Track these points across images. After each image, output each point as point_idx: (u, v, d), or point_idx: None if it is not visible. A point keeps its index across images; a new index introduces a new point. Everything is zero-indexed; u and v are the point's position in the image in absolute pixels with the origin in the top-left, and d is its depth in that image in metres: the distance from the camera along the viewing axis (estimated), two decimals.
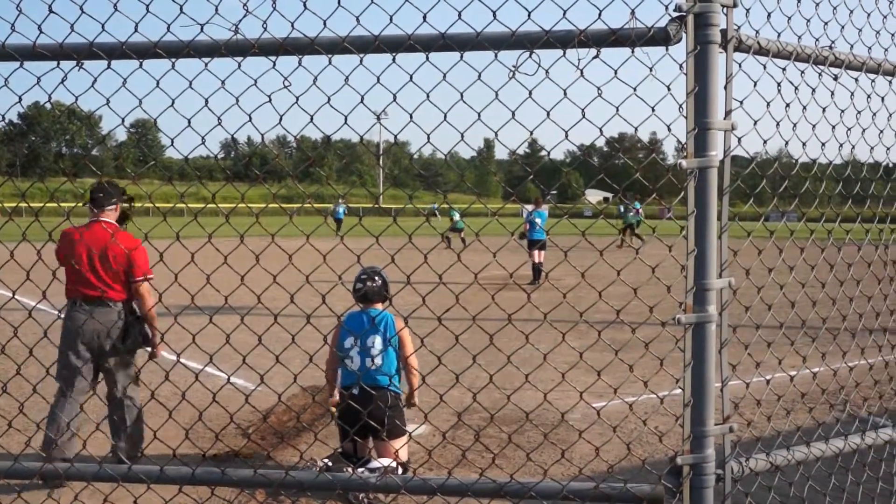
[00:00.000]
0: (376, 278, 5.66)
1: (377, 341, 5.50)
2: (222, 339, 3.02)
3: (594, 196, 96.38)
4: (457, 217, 27.12)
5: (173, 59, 2.85)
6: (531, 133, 2.88)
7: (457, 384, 3.05)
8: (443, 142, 3.09)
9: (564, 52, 2.55)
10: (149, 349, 5.71)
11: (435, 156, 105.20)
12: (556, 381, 3.26)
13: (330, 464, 5.13)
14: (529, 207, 19.44)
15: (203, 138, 3.01)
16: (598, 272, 3.54)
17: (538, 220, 18.15)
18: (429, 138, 2.86)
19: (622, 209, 31.63)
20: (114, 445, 5.51)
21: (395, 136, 2.90)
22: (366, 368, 5.42)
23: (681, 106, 2.52)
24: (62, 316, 3.23)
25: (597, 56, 2.54)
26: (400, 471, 5.14)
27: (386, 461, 5.17)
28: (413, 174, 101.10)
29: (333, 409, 5.39)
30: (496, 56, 2.63)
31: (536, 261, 17.84)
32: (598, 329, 3.05)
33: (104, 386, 5.65)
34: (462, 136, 2.80)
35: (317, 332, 3.05)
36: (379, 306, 5.71)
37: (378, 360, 5.44)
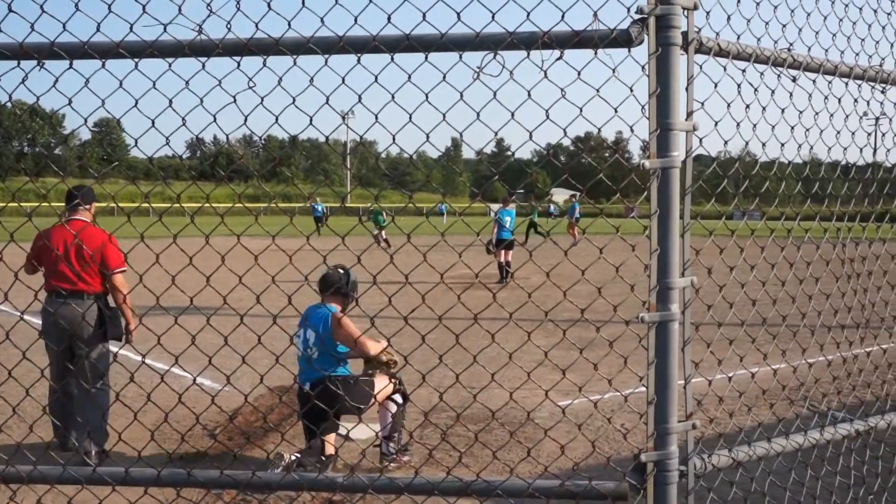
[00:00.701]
0: (341, 268, 5.87)
1: (312, 336, 5.68)
2: (188, 339, 2.99)
3: (561, 195, 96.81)
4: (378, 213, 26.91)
5: (136, 60, 2.82)
6: (496, 133, 2.89)
7: (423, 383, 3.05)
8: (409, 142, 3.10)
9: (528, 54, 2.56)
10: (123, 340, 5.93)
11: (402, 155, 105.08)
12: (522, 379, 3.28)
13: (299, 457, 5.19)
14: (496, 207, 19.82)
15: (167, 139, 2.98)
16: (563, 271, 3.56)
17: (506, 220, 18.03)
18: (394, 139, 2.86)
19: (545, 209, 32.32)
20: (77, 445, 5.62)
21: (361, 137, 2.90)
22: (307, 365, 5.65)
23: (643, 107, 2.54)
24: (24, 317, 3.22)
25: (560, 57, 2.56)
26: (400, 399, 5.77)
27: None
28: (380, 174, 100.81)
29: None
30: (461, 57, 2.64)
31: (503, 260, 17.71)
32: (563, 328, 3.07)
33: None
34: (427, 136, 2.80)
35: (283, 332, 3.03)
36: (331, 300, 5.82)
37: (315, 355, 5.61)
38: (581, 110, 2.59)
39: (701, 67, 2.67)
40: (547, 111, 2.61)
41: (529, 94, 2.62)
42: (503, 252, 17.63)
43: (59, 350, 5.67)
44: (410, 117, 2.71)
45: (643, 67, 2.54)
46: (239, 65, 2.78)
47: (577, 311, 2.77)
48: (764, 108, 2.95)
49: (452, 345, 2.95)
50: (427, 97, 2.70)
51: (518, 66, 2.61)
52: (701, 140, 2.70)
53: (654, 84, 2.52)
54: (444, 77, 2.69)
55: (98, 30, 2.77)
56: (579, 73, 2.57)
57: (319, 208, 39.53)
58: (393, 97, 2.75)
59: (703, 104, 2.70)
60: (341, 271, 5.86)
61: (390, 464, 5.69)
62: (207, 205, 2.84)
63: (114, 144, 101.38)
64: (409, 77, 2.69)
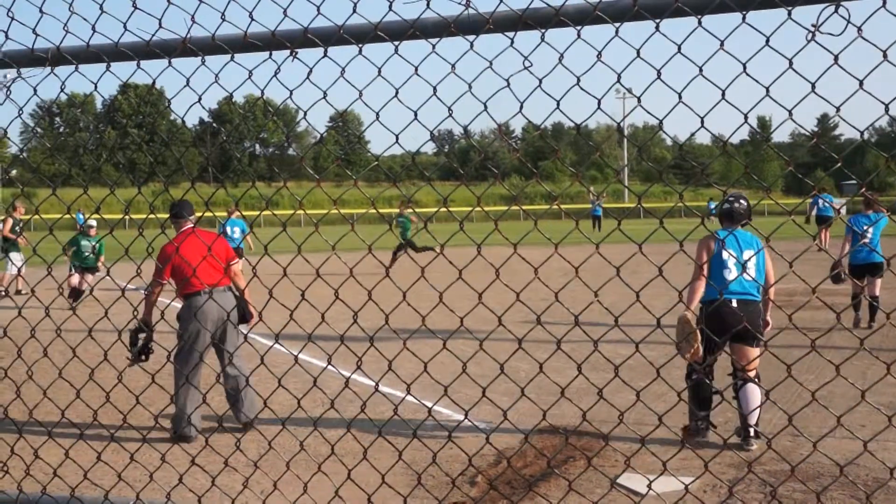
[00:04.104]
0: (742, 201, 7.41)
1: (753, 261, 7.16)
2: (449, 368, 3.14)
3: None
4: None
5: (396, 43, 3.01)
6: (837, 109, 2.77)
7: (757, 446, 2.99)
8: (706, 123, 3.03)
9: (885, 2, 2.45)
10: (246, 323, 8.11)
11: (693, 141, 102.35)
12: (868, 427, 3.11)
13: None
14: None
15: (432, 133, 3.19)
16: None
17: (867, 230, 12.95)
18: (702, 122, 2.83)
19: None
20: (235, 411, 7.96)
21: (661, 122, 2.91)
22: (744, 282, 7.06)
23: None
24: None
25: None
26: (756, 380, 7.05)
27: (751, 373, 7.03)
28: (667, 164, 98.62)
29: (693, 326, 6.84)
30: (790, 14, 2.57)
31: (867, 293, 13.08)
32: None
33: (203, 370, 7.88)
34: (746, 116, 2.75)
35: (568, 358, 3.10)
36: (740, 228, 7.43)
37: (753, 273, 7.22)
38: None
39: None
40: None
41: (885, 55, 2.50)
42: (868, 281, 13.08)
43: (205, 337, 7.70)
44: (723, 94, 2.69)
45: None
46: (512, 42, 2.88)
47: None
48: None
49: (783, 378, 2.87)
50: (745, 67, 2.66)
51: (869, 19, 2.49)
52: None
53: None
54: (768, 41, 2.63)
55: (354, 11, 2.98)
56: None
57: (599, 207, 44.24)
58: (701, 70, 2.72)
59: None
60: (742, 200, 7.40)
61: (752, 446, 6.85)
62: (479, 209, 2.98)
63: (352, 141, 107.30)
64: (722, 43, 2.66)
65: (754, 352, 7.07)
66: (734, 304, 7.01)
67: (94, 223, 17.79)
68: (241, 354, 8.00)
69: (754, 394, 6.96)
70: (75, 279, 17.34)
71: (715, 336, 6.65)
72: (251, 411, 7.98)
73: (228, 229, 20.25)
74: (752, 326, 6.83)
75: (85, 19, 3.30)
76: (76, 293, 16.89)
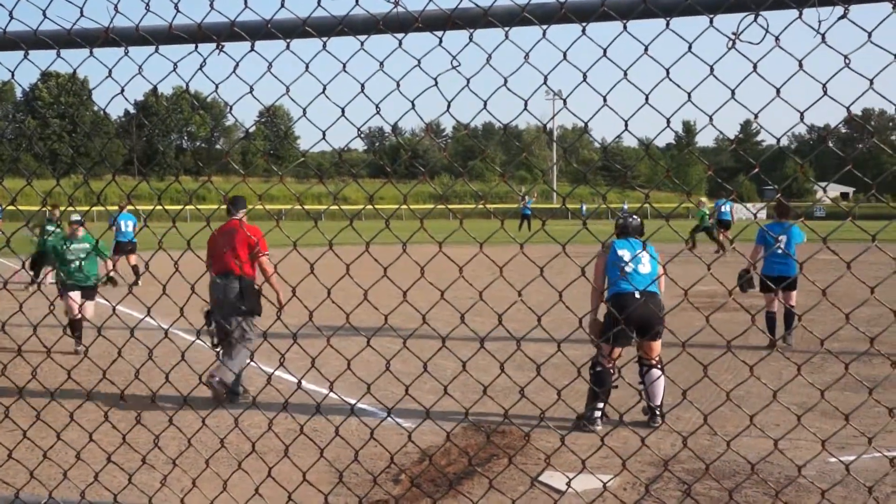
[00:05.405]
0: (635, 216, 8.58)
1: (646, 257, 8.02)
2: (374, 364, 3.15)
3: (830, 191, 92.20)
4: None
5: (325, 39, 2.99)
6: (755, 116, 2.83)
7: (663, 424, 3.05)
8: (633, 126, 3.08)
9: (801, 13, 2.51)
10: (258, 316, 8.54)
11: (621, 144, 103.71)
12: (781, 426, 3.20)
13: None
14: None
15: (359, 129, 3.18)
16: (841, 289, 3.44)
17: (782, 240, 11.81)
18: (626, 125, 2.88)
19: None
20: (211, 377, 8.52)
21: (586, 124, 2.95)
22: (640, 276, 7.93)
23: None
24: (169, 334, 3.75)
25: (844, 16, 2.48)
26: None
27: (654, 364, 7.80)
28: (595, 167, 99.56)
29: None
30: (711, 22, 2.62)
31: (786, 302, 11.86)
32: (844, 361, 2.98)
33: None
34: (668, 121, 2.80)
35: (492, 357, 3.12)
36: (633, 237, 8.31)
37: (648, 268, 8.00)
38: (871, 83, 2.50)
39: None
40: (824, 86, 2.54)
41: (801, 65, 2.56)
42: (782, 294, 11.86)
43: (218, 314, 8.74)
44: (647, 98, 2.73)
45: None
46: (441, 41, 2.89)
47: (861, 339, 2.68)
48: None
49: (700, 378, 2.93)
50: (668, 73, 2.70)
51: (785, 29, 2.56)
52: None
53: None
54: (690, 47, 2.68)
55: (283, 5, 2.97)
56: (870, 35, 2.49)
57: (528, 205, 45.66)
58: (625, 74, 2.77)
59: None
60: (636, 216, 8.56)
61: (656, 423, 7.57)
62: (405, 207, 2.99)
63: (279, 136, 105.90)
64: (647, 49, 2.70)
65: (656, 344, 7.82)
66: (637, 295, 7.75)
67: (80, 218, 11.88)
68: (240, 343, 8.59)
69: (658, 379, 7.72)
70: (73, 304, 11.61)
71: (622, 327, 7.31)
72: (229, 381, 8.56)
73: (123, 224, 19.67)
74: (655, 318, 7.65)
75: (2, 5, 3.23)
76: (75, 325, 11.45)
